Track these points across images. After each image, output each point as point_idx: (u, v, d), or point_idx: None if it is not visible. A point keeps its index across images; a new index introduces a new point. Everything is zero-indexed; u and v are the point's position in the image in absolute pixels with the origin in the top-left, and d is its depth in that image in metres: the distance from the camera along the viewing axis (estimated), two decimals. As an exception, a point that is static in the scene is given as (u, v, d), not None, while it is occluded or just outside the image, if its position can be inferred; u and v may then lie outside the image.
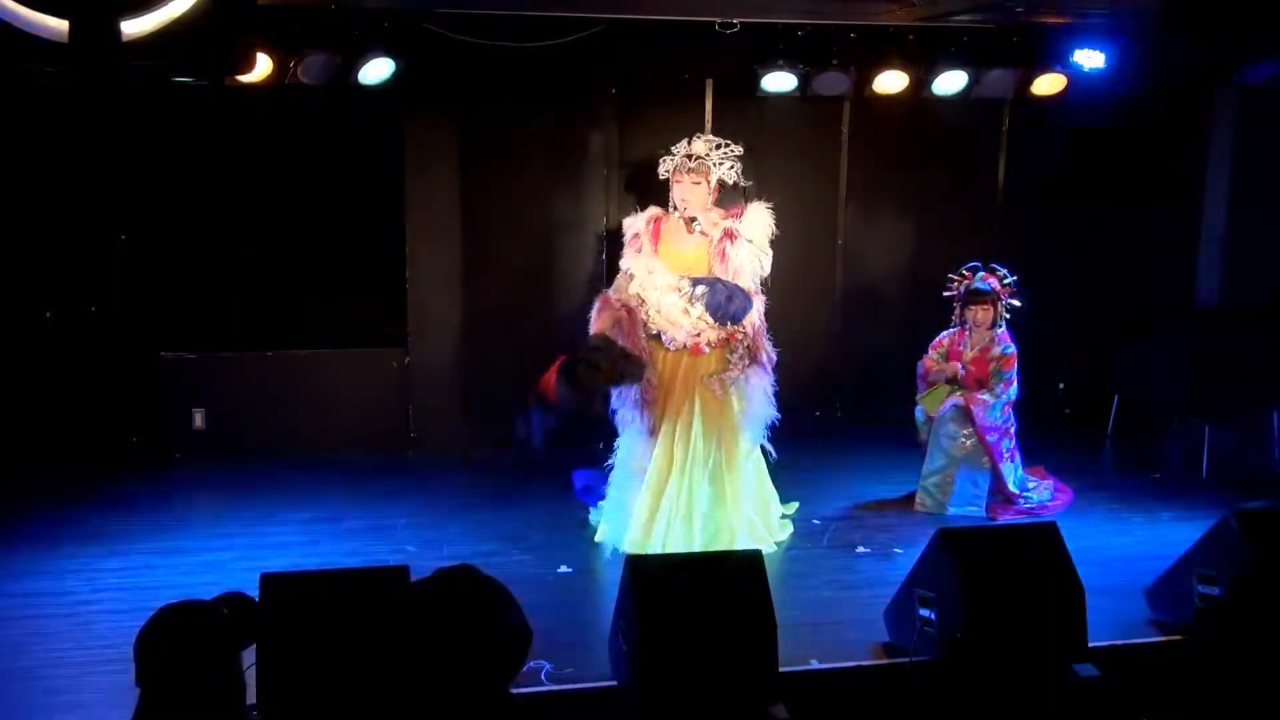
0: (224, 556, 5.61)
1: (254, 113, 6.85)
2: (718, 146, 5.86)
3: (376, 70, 6.62)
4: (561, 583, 5.43)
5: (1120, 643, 4.65)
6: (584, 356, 5.52)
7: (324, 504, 6.41)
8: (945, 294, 6.50)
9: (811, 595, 5.28)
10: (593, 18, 6.79)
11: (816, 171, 7.87)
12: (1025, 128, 8.00)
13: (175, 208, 7.10)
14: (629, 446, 5.83)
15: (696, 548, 5.52)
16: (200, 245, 7.17)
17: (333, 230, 7.28)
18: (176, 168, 7.05)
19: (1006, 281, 6.46)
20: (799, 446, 6.04)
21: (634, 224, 5.95)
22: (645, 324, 5.75)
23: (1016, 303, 6.46)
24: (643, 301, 5.76)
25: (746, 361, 5.78)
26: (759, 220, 5.84)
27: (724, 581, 4.09)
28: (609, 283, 6.19)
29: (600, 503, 6.04)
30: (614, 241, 6.02)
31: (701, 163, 5.80)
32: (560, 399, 5.46)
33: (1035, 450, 6.67)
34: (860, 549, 5.84)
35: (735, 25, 6.87)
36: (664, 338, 5.75)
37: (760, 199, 5.98)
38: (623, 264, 5.89)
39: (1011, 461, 6.38)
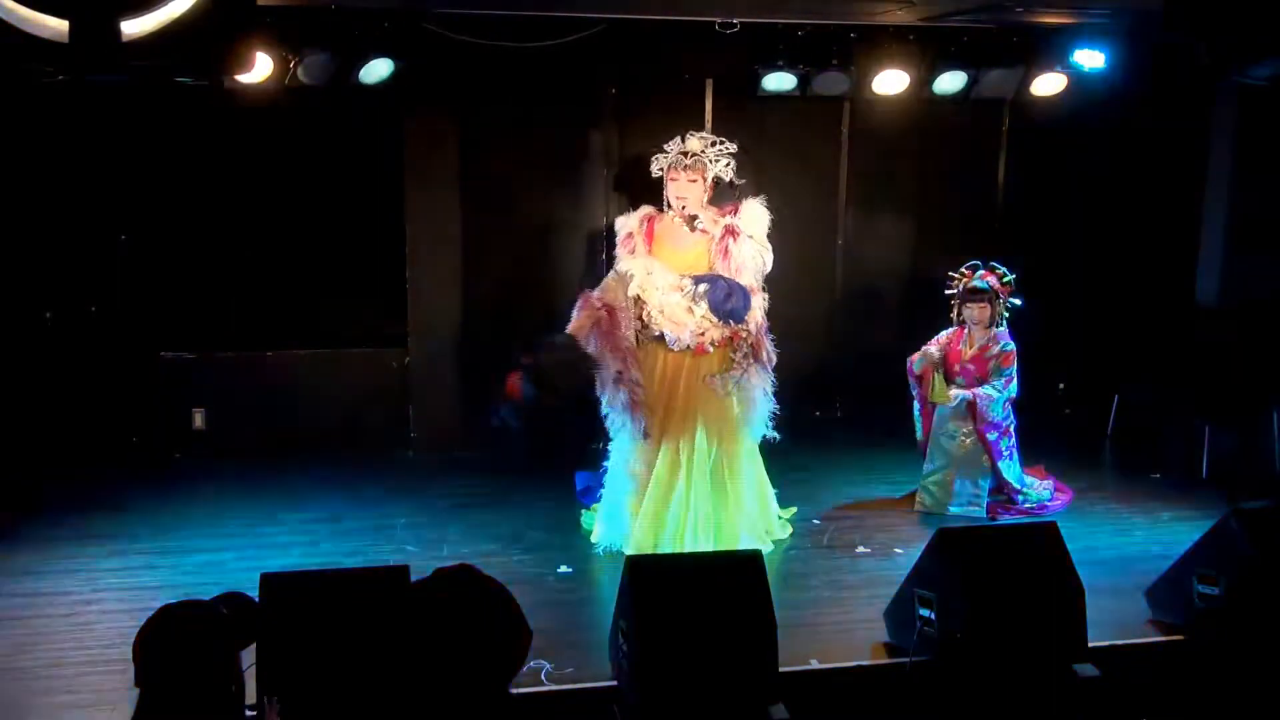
0: (224, 556, 5.62)
1: (254, 113, 6.84)
2: (712, 144, 5.81)
3: (376, 70, 6.62)
4: (561, 583, 5.43)
5: (1120, 643, 4.66)
6: (536, 362, 5.54)
7: (324, 504, 6.41)
8: (946, 292, 6.50)
9: (811, 595, 5.28)
10: (593, 18, 6.79)
11: (816, 171, 7.87)
12: (1025, 128, 8.00)
13: (175, 208, 7.10)
14: (621, 449, 5.79)
15: (700, 549, 5.51)
16: (200, 245, 7.17)
17: (332, 230, 7.28)
18: (177, 167, 7.05)
19: (1006, 280, 6.46)
20: (799, 446, 6.03)
21: (626, 224, 5.90)
22: (647, 325, 5.69)
23: (1017, 301, 6.46)
24: (642, 303, 5.70)
25: (750, 360, 5.73)
26: (757, 216, 5.81)
27: (724, 581, 4.09)
28: (608, 267, 6.13)
29: (594, 504, 6.03)
30: (613, 241, 6.02)
31: (698, 159, 5.74)
32: (525, 398, 5.52)
33: (1035, 450, 6.67)
34: (860, 549, 5.83)
35: (735, 25, 6.87)
36: (668, 338, 5.68)
37: (751, 196, 5.92)
38: (619, 265, 5.81)
39: (1011, 460, 6.38)
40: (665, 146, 5.85)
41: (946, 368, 6.48)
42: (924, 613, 4.38)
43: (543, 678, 4.29)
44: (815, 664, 4.49)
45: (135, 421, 7.11)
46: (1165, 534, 5.97)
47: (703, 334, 5.67)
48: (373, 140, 7.19)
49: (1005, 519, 6.19)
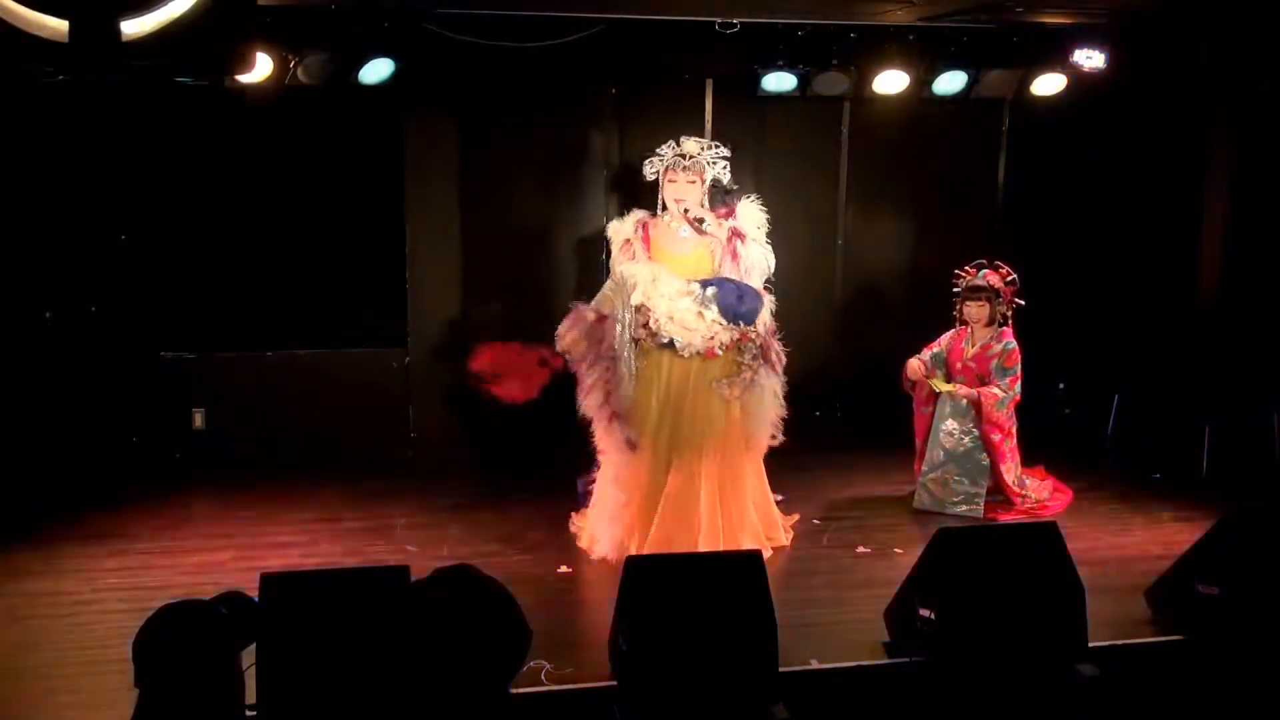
0: (224, 556, 5.61)
1: (254, 113, 6.84)
2: (704, 148, 5.76)
3: (376, 70, 6.62)
4: (561, 583, 5.43)
5: (1120, 643, 4.65)
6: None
7: (324, 504, 6.41)
8: (954, 290, 6.51)
9: (811, 595, 5.28)
10: (593, 18, 6.79)
11: (816, 171, 7.87)
12: (1025, 128, 8.00)
13: (175, 208, 7.10)
14: (608, 457, 5.68)
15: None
16: (200, 245, 7.17)
17: (333, 230, 7.28)
18: (176, 168, 7.05)
19: (1010, 280, 6.46)
20: (799, 446, 6.03)
21: (622, 229, 5.80)
22: (655, 333, 5.55)
23: (1021, 302, 6.45)
24: (647, 310, 5.55)
25: (759, 362, 5.64)
26: (756, 217, 5.79)
27: (724, 581, 4.09)
28: (607, 274, 6.08)
29: (583, 509, 5.96)
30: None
31: (696, 161, 5.69)
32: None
33: (1035, 450, 6.67)
34: (860, 549, 5.83)
35: (735, 25, 6.87)
36: (678, 344, 5.54)
37: (744, 198, 5.87)
38: (624, 271, 5.67)
39: (1011, 461, 6.38)
40: (658, 150, 5.78)
41: (948, 367, 6.49)
42: (924, 613, 4.38)
43: (542, 678, 4.29)
44: (815, 664, 4.48)
45: (135, 421, 7.10)
46: (1165, 534, 5.97)
47: (712, 338, 5.56)
48: (373, 140, 7.19)
49: (1005, 519, 6.20)
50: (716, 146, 5.81)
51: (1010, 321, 6.46)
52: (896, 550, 5.77)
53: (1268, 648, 4.48)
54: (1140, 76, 7.26)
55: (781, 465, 6.11)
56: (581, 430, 5.77)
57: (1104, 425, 7.86)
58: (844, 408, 8.03)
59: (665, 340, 5.56)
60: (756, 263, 5.72)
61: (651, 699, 3.91)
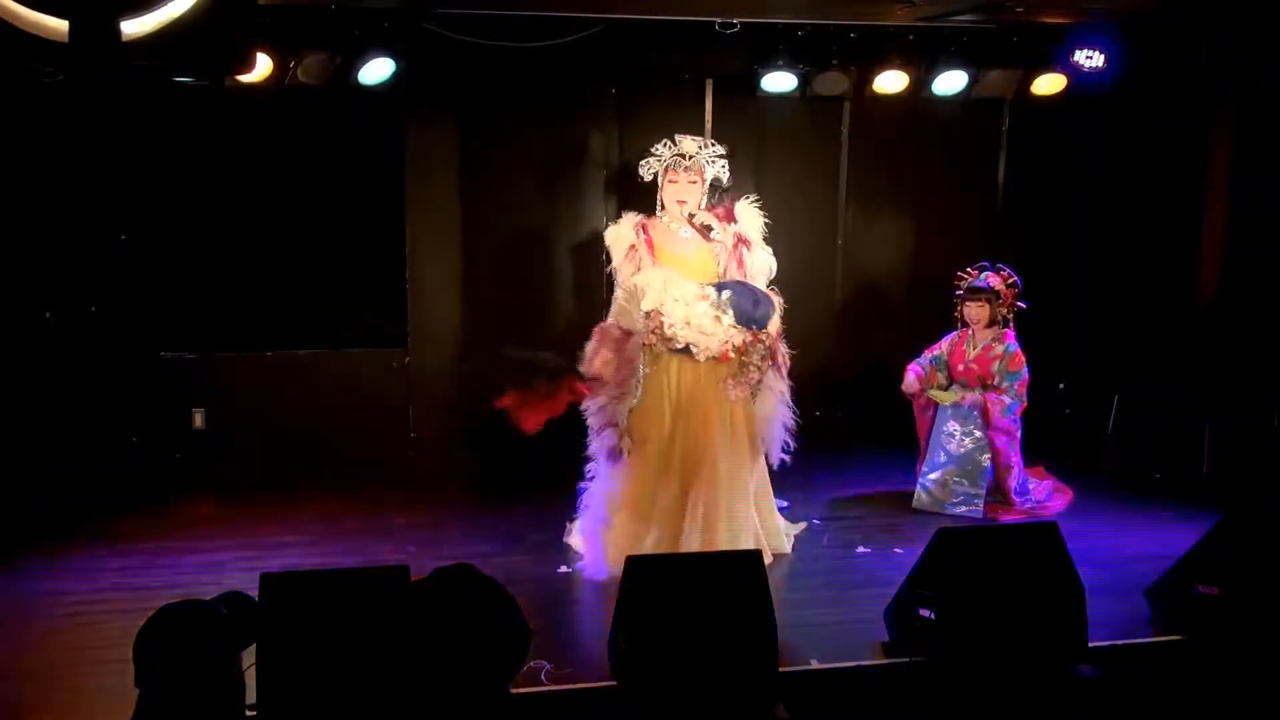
0: (224, 556, 5.62)
1: (254, 113, 6.84)
2: (702, 146, 5.73)
3: (376, 70, 6.62)
4: (561, 583, 5.43)
5: (1120, 643, 4.65)
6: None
7: (324, 504, 6.41)
8: (955, 291, 6.50)
9: (811, 595, 5.28)
10: (593, 18, 6.78)
11: (816, 171, 7.87)
12: (1025, 128, 8.00)
13: (175, 208, 7.10)
14: (603, 465, 5.58)
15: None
16: (200, 245, 7.16)
17: (333, 230, 7.28)
18: (176, 168, 7.05)
19: (1010, 282, 6.46)
20: (799, 446, 6.03)
21: (621, 234, 5.72)
22: (670, 339, 5.45)
23: (1023, 305, 6.45)
24: (659, 315, 5.45)
25: (768, 364, 5.58)
26: (755, 219, 5.77)
27: (724, 581, 4.08)
28: (608, 281, 6.09)
29: (576, 518, 5.81)
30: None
31: (695, 160, 5.66)
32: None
33: (1035, 450, 6.67)
34: (860, 549, 5.83)
35: (735, 25, 6.87)
36: (694, 349, 5.46)
37: (742, 198, 5.86)
38: (638, 279, 5.57)
39: (1015, 466, 6.37)
40: (654, 150, 5.75)
41: (950, 369, 6.49)
42: (924, 613, 4.38)
43: (542, 678, 4.29)
44: (815, 664, 4.48)
45: (135, 421, 7.10)
46: (1165, 534, 5.97)
47: (726, 342, 5.48)
48: (373, 140, 7.19)
49: (1005, 519, 6.20)
50: (714, 145, 5.80)
51: (1011, 323, 6.47)
52: (896, 550, 5.77)
53: (1268, 648, 4.48)
54: (1140, 76, 7.25)
55: (781, 465, 6.11)
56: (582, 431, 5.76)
57: (1104, 425, 7.85)
58: (844, 408, 8.02)
59: (680, 346, 5.47)
60: (763, 268, 5.71)
61: (651, 699, 3.91)
